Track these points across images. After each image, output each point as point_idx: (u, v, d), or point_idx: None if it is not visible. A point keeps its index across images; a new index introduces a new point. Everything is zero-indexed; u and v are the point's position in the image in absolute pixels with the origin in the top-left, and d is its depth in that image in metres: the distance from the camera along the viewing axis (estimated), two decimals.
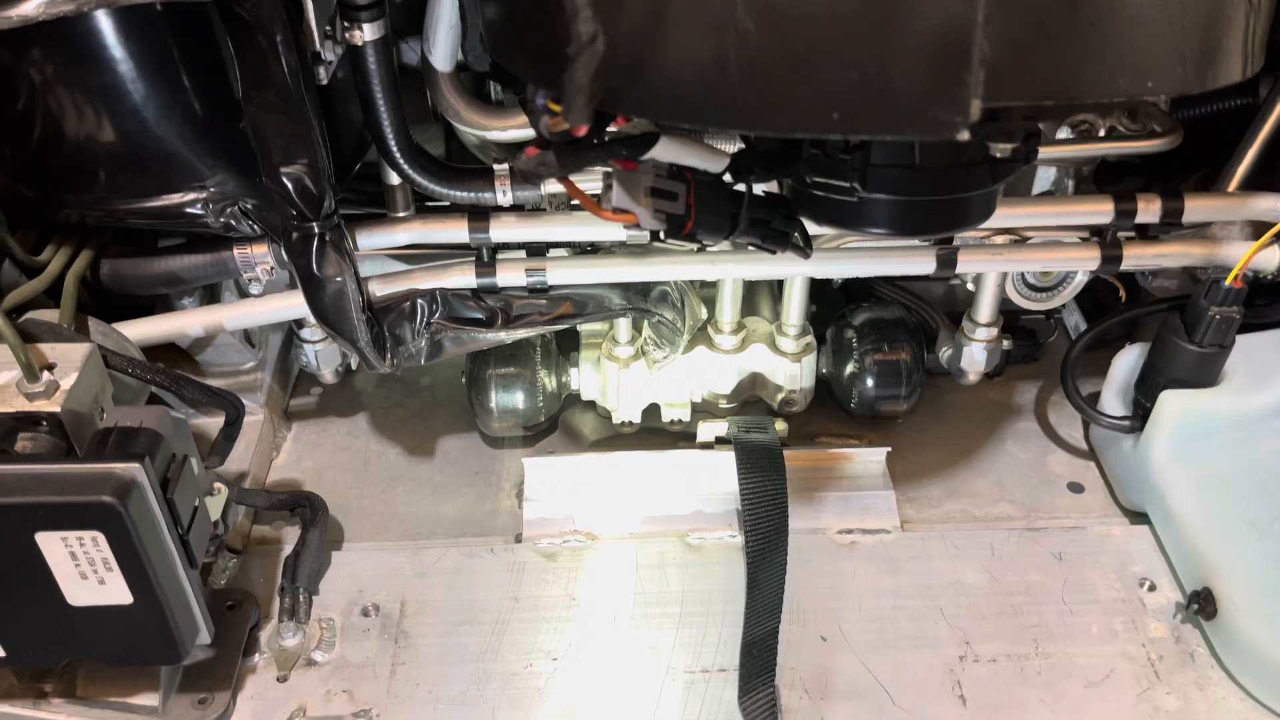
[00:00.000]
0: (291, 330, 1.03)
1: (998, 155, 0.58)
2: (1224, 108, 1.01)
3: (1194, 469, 0.93)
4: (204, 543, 0.75)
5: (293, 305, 0.90)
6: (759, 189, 0.71)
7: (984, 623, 0.89)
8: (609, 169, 0.64)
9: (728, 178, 0.69)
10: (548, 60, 0.54)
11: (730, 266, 0.93)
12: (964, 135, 0.47)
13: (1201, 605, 0.86)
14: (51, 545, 0.66)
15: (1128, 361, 1.01)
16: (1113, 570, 0.93)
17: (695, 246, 0.68)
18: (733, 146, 0.70)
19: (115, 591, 0.69)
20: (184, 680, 0.83)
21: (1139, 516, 0.99)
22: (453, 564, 0.95)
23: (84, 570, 0.67)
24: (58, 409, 0.69)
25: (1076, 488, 1.04)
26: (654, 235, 0.68)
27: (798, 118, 0.50)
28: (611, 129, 0.60)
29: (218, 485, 0.82)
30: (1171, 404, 0.94)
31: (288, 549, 0.93)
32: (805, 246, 0.74)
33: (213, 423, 0.88)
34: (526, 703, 0.84)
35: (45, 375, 0.69)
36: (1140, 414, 0.97)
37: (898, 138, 0.58)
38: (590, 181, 0.74)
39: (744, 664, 0.85)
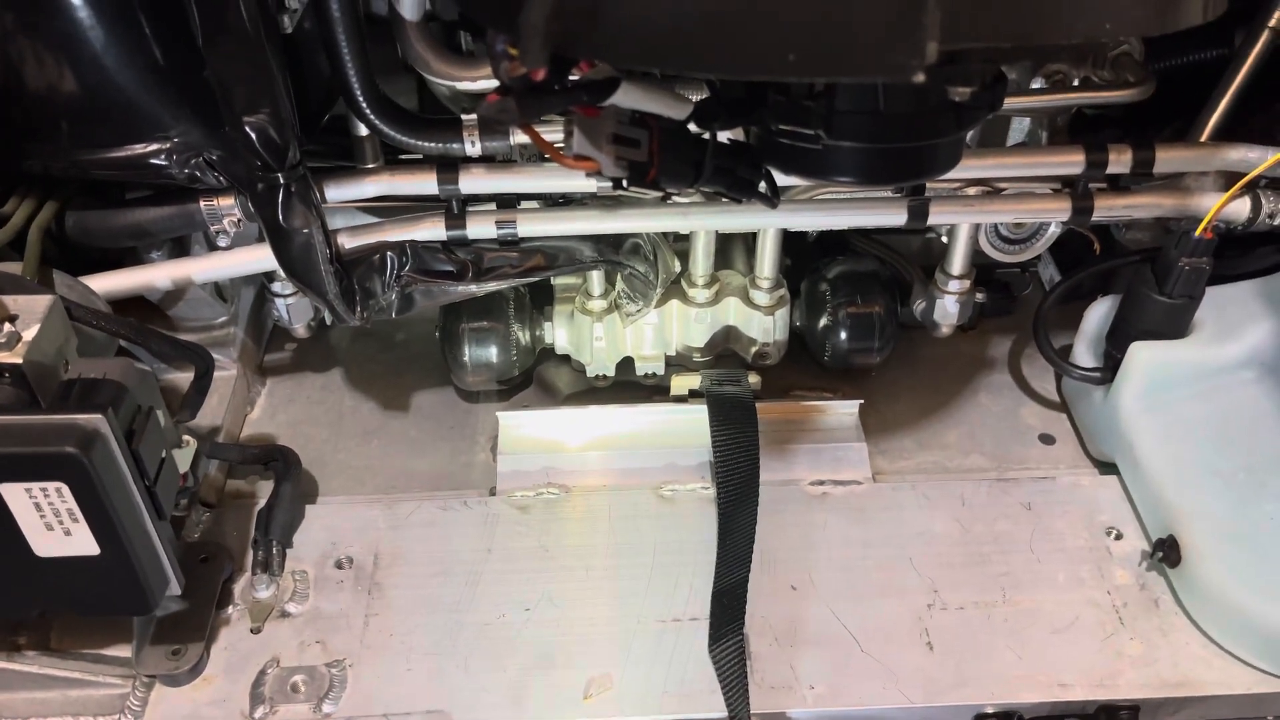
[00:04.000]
0: (263, 285, 1.02)
1: (958, 99, 0.58)
2: (1199, 58, 1.01)
3: (1162, 419, 0.94)
4: (172, 494, 0.76)
5: (261, 258, 0.90)
6: (724, 137, 0.70)
7: (952, 571, 0.90)
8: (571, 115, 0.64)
9: (693, 126, 0.69)
10: (504, 1, 0.53)
11: (701, 219, 0.93)
12: (920, 77, 0.47)
13: (1166, 553, 0.87)
14: (16, 496, 0.66)
15: (1099, 314, 1.02)
16: (1080, 520, 0.94)
17: (660, 194, 0.68)
18: (697, 94, 0.70)
19: (82, 542, 0.69)
20: (157, 632, 0.83)
21: (1108, 467, 1.00)
22: (426, 517, 0.95)
23: (49, 521, 0.67)
24: (20, 360, 0.68)
25: (1048, 439, 1.05)
26: (617, 183, 0.67)
27: (754, 59, 0.49)
28: (574, 76, 0.60)
29: (187, 438, 0.81)
30: (1141, 355, 0.95)
31: (262, 503, 0.94)
32: (772, 195, 0.73)
33: (185, 378, 0.88)
34: (499, 652, 0.84)
35: (7, 326, 0.69)
36: (1111, 366, 0.98)
37: (853, 79, 0.58)
38: (555, 131, 0.73)
39: (714, 613, 0.86)
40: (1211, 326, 0.96)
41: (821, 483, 0.98)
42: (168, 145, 0.82)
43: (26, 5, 0.75)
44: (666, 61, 0.52)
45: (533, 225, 0.92)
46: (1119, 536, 0.93)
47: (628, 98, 0.61)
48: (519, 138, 0.88)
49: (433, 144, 0.87)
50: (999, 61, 0.63)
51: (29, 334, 0.70)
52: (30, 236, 0.83)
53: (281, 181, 0.81)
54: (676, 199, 0.91)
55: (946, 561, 0.91)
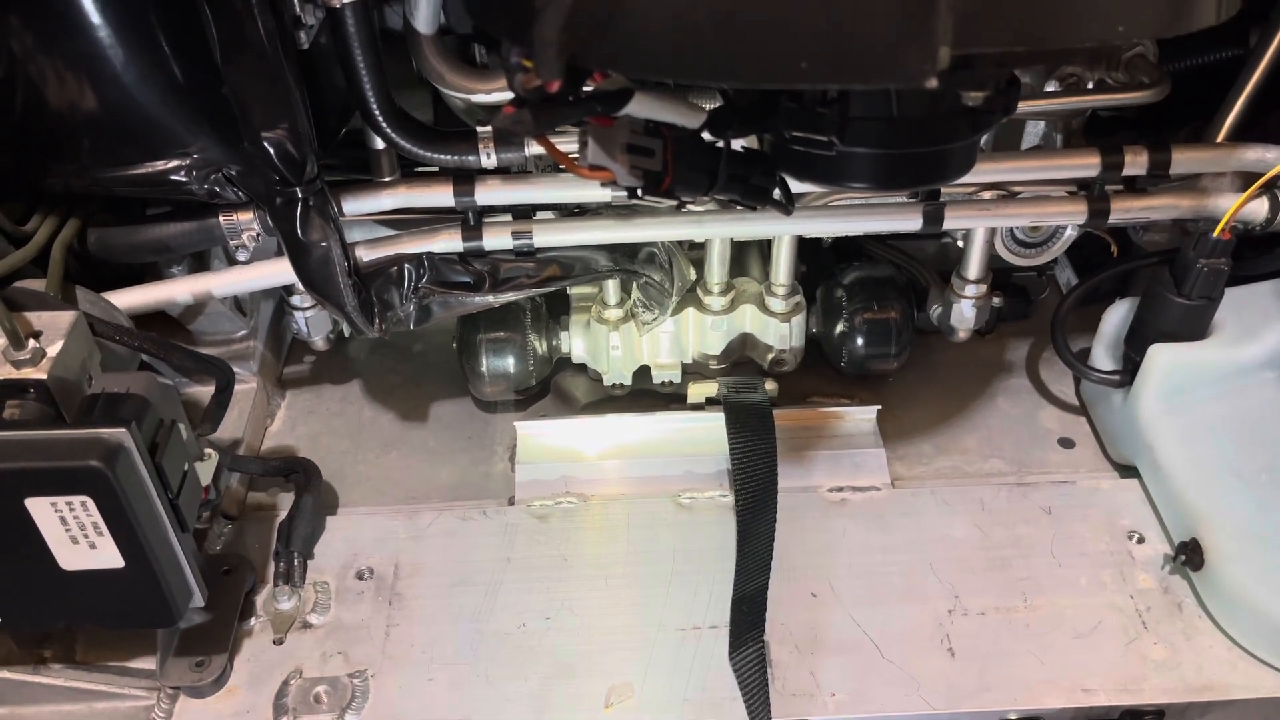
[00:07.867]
0: (282, 298, 1.03)
1: (971, 104, 0.58)
2: (1214, 59, 1.00)
3: (1183, 422, 0.94)
4: (194, 507, 0.76)
5: (280, 272, 0.91)
6: (738, 144, 0.71)
7: (973, 576, 0.90)
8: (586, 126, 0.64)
9: (707, 135, 0.69)
10: (518, 15, 0.54)
11: (716, 226, 0.93)
12: (932, 83, 0.47)
13: (1189, 556, 0.87)
14: (41, 510, 0.67)
15: (1117, 316, 1.01)
16: (1101, 523, 0.94)
17: (675, 203, 0.68)
18: (710, 102, 0.70)
19: (106, 555, 0.69)
20: (181, 644, 0.84)
21: (1128, 470, 0.99)
22: (446, 527, 0.96)
23: (75, 535, 0.68)
24: (44, 376, 0.69)
25: (1067, 443, 1.04)
26: (632, 192, 0.67)
27: (767, 68, 0.50)
28: (588, 87, 0.60)
29: (208, 450, 0.82)
30: (1160, 357, 0.94)
31: (283, 515, 0.94)
32: (787, 202, 0.73)
33: (206, 391, 0.88)
34: (519, 662, 0.85)
35: (31, 343, 0.70)
36: (1130, 368, 0.98)
37: (866, 86, 0.58)
38: (570, 143, 0.74)
39: (734, 620, 0.86)
40: (1231, 327, 0.95)
41: (840, 489, 0.98)
42: (187, 161, 0.82)
43: (47, 25, 0.76)
44: (679, 72, 0.52)
45: (548, 235, 0.92)
46: (1140, 540, 0.92)
47: (641, 107, 0.61)
48: (534, 149, 0.89)
49: (449, 156, 0.88)
50: (1012, 66, 0.63)
51: (53, 350, 0.71)
52: (53, 253, 0.84)
53: (299, 195, 0.82)
54: (691, 207, 0.92)
55: (967, 566, 0.91)
